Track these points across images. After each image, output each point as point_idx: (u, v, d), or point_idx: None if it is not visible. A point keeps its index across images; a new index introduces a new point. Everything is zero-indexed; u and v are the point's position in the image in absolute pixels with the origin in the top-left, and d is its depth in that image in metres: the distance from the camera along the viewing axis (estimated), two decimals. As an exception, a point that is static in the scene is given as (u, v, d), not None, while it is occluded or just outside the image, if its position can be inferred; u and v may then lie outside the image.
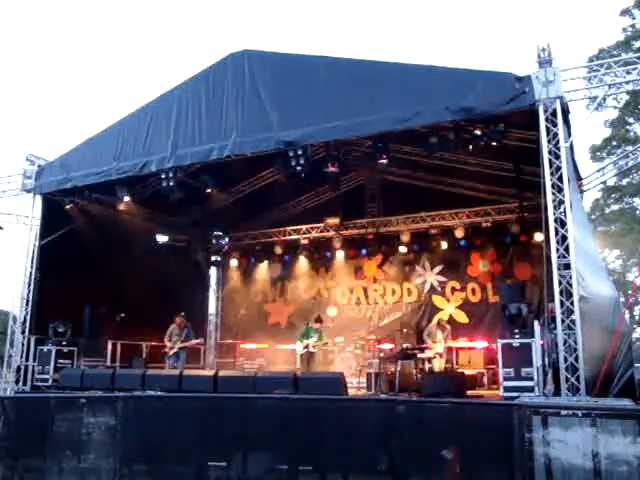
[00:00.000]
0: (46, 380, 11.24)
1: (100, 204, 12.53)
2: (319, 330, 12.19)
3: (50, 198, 12.20)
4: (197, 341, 12.20)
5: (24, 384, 11.38)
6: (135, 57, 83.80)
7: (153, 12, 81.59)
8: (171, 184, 10.87)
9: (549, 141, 8.03)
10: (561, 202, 7.86)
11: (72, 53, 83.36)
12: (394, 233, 15.01)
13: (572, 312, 7.46)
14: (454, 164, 12.49)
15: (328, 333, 12.86)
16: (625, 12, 23.86)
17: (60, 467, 7.75)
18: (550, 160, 8.00)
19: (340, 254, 15.79)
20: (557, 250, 7.73)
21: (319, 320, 12.52)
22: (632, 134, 24.01)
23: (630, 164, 12.10)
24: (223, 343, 15.57)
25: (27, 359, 11.57)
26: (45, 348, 11.48)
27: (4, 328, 14.74)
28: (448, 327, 12.44)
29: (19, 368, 11.49)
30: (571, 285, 7.52)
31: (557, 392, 7.52)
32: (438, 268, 14.94)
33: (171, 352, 11.68)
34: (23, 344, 11.62)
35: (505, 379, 8.23)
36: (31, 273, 11.86)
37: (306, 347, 11.91)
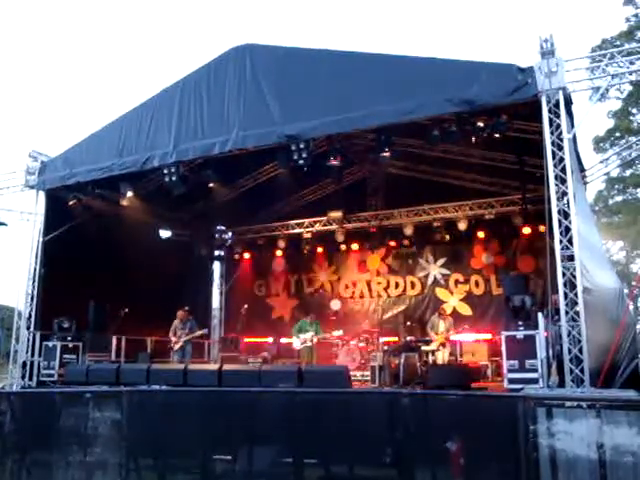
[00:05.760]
0: (52, 375, 11.29)
1: (103, 200, 12.49)
2: (314, 323, 12.22)
3: (53, 194, 12.17)
4: (201, 332, 12.20)
5: (30, 379, 11.43)
6: (137, 52, 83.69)
7: (155, 7, 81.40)
8: (174, 179, 10.85)
9: (552, 132, 7.97)
10: (564, 194, 7.82)
11: (74, 49, 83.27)
12: (397, 226, 14.95)
13: (576, 304, 7.43)
14: (457, 156, 12.44)
15: (332, 326, 12.89)
16: (629, 1, 23.71)
17: (67, 461, 7.83)
18: (553, 151, 7.95)
19: (343, 247, 15.77)
20: (560, 242, 7.70)
21: (310, 312, 12.75)
22: (635, 125, 23.92)
23: (633, 155, 12.07)
24: (227, 337, 15.59)
25: (32, 354, 11.61)
26: (50, 343, 11.52)
27: (9, 324, 14.80)
28: (450, 318, 12.44)
29: (25, 363, 11.52)
30: (575, 277, 7.49)
31: (561, 384, 7.50)
32: (441, 261, 14.95)
33: (176, 346, 11.73)
34: (28, 340, 11.65)
35: (509, 371, 8.24)
36: (35, 269, 11.86)
37: (304, 342, 11.94)
